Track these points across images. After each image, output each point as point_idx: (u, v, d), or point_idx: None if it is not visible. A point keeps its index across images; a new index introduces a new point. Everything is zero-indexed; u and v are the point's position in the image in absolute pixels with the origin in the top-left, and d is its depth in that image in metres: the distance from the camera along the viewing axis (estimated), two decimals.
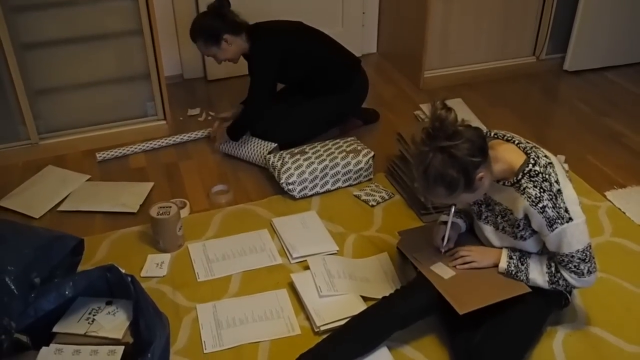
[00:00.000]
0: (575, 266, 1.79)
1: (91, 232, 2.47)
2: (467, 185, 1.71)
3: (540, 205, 1.73)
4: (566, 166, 2.87)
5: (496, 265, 1.93)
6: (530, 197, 1.74)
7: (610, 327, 2.03)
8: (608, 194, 2.71)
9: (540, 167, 1.76)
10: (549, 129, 3.31)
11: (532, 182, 1.75)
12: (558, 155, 2.93)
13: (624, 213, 2.58)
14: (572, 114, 3.42)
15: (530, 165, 1.76)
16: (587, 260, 1.79)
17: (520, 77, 3.81)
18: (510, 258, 1.90)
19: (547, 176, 1.74)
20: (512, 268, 1.89)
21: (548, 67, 3.89)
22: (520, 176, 1.77)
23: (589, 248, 1.79)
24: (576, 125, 3.30)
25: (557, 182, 1.74)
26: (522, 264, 1.88)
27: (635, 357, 1.93)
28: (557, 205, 1.73)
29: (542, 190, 1.73)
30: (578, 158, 2.96)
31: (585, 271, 1.80)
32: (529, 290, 1.87)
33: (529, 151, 1.80)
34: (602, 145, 3.11)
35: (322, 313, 2.02)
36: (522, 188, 1.76)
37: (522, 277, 1.88)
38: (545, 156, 1.79)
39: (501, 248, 1.95)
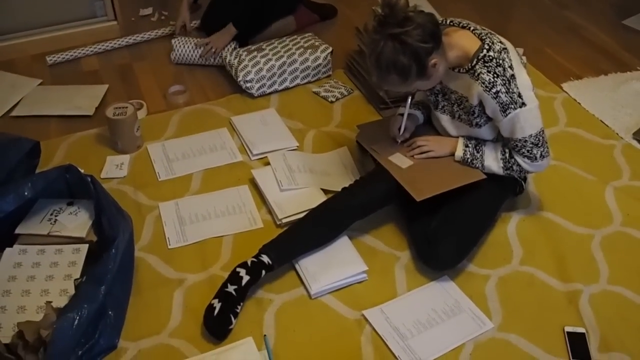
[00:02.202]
0: (528, 151, 1.84)
1: (47, 137, 2.43)
2: (420, 72, 1.72)
3: (494, 90, 1.75)
4: (524, 59, 2.88)
5: (453, 154, 1.97)
6: (484, 83, 1.76)
7: (562, 211, 2.12)
8: (564, 85, 2.75)
9: (495, 52, 1.76)
10: (509, 23, 3.30)
11: (485, 68, 1.76)
12: (517, 48, 2.93)
13: (579, 104, 2.64)
14: (532, 7, 3.41)
15: (485, 51, 1.77)
16: (539, 145, 1.83)
17: None
18: (466, 146, 1.94)
19: (500, 61, 1.75)
20: (468, 156, 1.93)
21: None
22: (474, 62, 1.78)
23: (541, 133, 1.83)
24: (536, 18, 3.30)
25: (510, 67, 1.76)
26: (478, 152, 1.92)
27: (583, 237, 2.04)
28: (511, 90, 1.75)
29: (495, 75, 1.75)
30: (536, 51, 2.98)
31: (538, 155, 1.85)
32: (484, 177, 1.92)
33: (484, 37, 1.79)
34: (560, 37, 3.12)
35: (283, 206, 2.06)
36: (476, 74, 1.78)
37: (477, 165, 1.93)
38: (500, 42, 1.80)
39: (458, 137, 1.99)
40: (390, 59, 1.68)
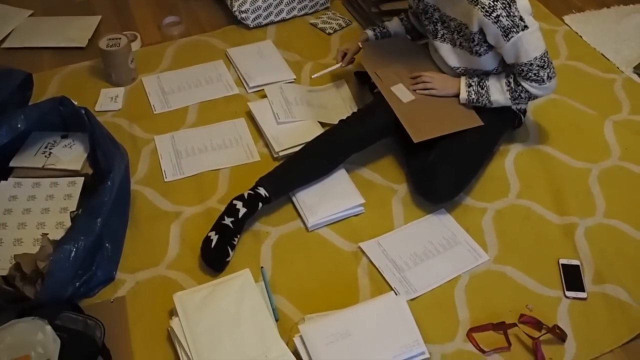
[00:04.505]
0: (535, 74, 1.80)
1: (40, 69, 2.38)
2: None
3: (494, 14, 1.71)
4: None
5: (455, 96, 1.94)
6: (483, 7, 1.71)
7: (560, 146, 2.11)
8: (566, 18, 2.69)
9: None
10: None
11: None
12: None
13: (581, 37, 2.59)
14: None
15: None
16: (545, 67, 1.80)
17: None
18: (469, 86, 1.91)
19: None
20: (473, 95, 1.90)
21: None
22: None
23: (546, 54, 1.79)
24: None
25: None
26: (482, 88, 1.89)
27: (581, 171, 2.03)
28: (512, 13, 1.71)
29: None
30: None
31: (545, 77, 1.81)
32: (482, 123, 1.90)
33: None
34: None
35: (280, 139, 2.04)
36: None
37: (484, 101, 1.90)
38: None
39: (458, 74, 1.95)
40: None
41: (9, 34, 2.56)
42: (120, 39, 2.25)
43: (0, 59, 2.44)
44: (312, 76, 2.23)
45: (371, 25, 2.25)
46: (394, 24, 2.20)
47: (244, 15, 2.52)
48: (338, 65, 2.18)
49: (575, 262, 1.75)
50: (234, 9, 2.52)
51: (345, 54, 2.18)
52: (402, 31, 2.20)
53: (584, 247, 1.80)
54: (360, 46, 2.16)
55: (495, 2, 1.70)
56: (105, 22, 2.64)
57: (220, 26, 2.61)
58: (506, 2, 1.71)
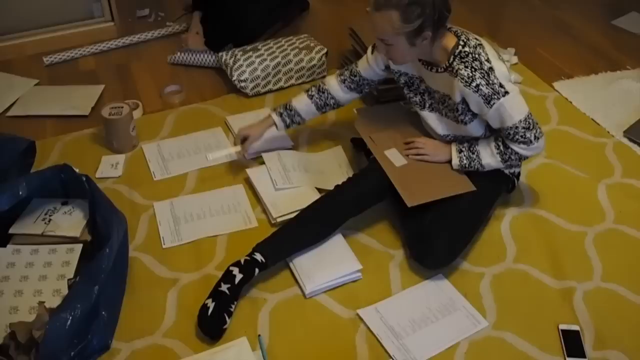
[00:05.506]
0: (522, 136, 1.83)
1: (42, 136, 2.43)
2: (417, 31, 1.72)
3: (474, 84, 1.76)
4: (515, 59, 2.90)
5: (448, 162, 1.98)
6: (463, 78, 1.77)
7: (555, 209, 2.13)
8: (556, 84, 2.76)
9: (470, 47, 1.78)
10: (501, 23, 3.31)
11: (463, 63, 1.77)
12: (508, 48, 2.95)
13: (571, 102, 2.65)
14: (523, 7, 3.42)
15: (460, 47, 1.78)
16: (531, 128, 1.83)
17: None
18: (460, 152, 1.95)
19: (477, 56, 1.76)
20: (465, 161, 1.94)
21: None
22: (451, 59, 1.79)
23: (530, 116, 1.83)
24: (527, 18, 3.31)
25: (487, 60, 1.77)
26: (473, 153, 1.93)
27: (576, 234, 2.04)
28: (491, 81, 1.76)
29: (473, 69, 1.75)
30: (528, 50, 2.98)
31: (532, 138, 1.84)
32: (474, 188, 1.93)
33: (459, 34, 1.81)
34: (551, 37, 3.13)
35: (278, 205, 2.06)
36: (454, 71, 1.79)
37: (476, 166, 1.94)
38: (475, 38, 1.81)
39: (448, 141, 1.99)
40: None
41: (15, 102, 2.62)
42: (122, 107, 2.30)
43: (5, 127, 2.49)
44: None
45: (279, 107, 2.16)
46: (301, 104, 2.13)
47: (242, 84, 2.59)
48: (237, 149, 2.13)
49: (575, 327, 1.74)
50: (234, 78, 2.59)
51: (245, 139, 2.14)
52: (312, 109, 2.14)
53: (583, 312, 1.79)
54: (259, 135, 2.16)
55: (474, 72, 1.76)
56: (109, 91, 2.71)
57: (221, 94, 2.67)
58: (484, 71, 1.76)
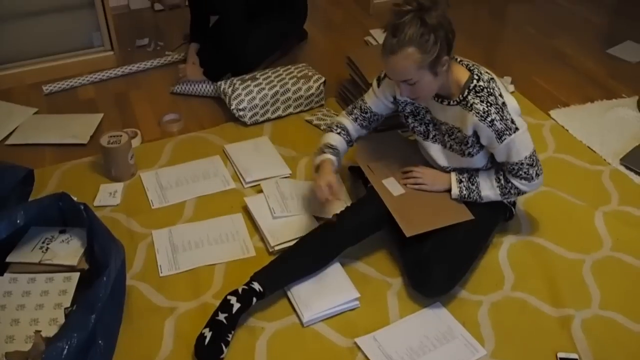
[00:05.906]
0: (525, 172, 1.85)
1: (41, 165, 2.44)
2: (437, 58, 1.70)
3: (489, 119, 1.77)
4: (512, 87, 2.93)
5: (446, 191, 1.99)
6: (478, 113, 1.78)
7: (552, 237, 2.13)
8: (552, 112, 2.78)
9: (484, 82, 1.79)
10: (497, 51, 3.35)
11: (478, 98, 1.78)
12: (505, 77, 2.98)
13: (567, 130, 2.67)
14: (519, 36, 3.47)
15: (475, 81, 1.80)
16: (534, 165, 1.85)
17: (468, 0, 3.83)
18: (460, 182, 1.96)
19: (491, 90, 1.78)
20: (465, 191, 1.95)
21: None
22: (466, 93, 1.80)
23: (534, 153, 1.85)
24: (523, 46, 3.35)
25: (500, 95, 1.79)
26: (473, 184, 1.94)
27: (574, 262, 2.04)
28: (504, 117, 1.78)
29: (489, 104, 1.77)
30: (524, 79, 3.02)
31: (534, 175, 1.86)
32: (473, 217, 1.94)
33: (472, 68, 1.83)
34: (547, 66, 3.17)
35: (276, 233, 2.06)
36: (469, 104, 1.80)
37: (474, 197, 1.95)
38: (487, 72, 1.83)
39: (448, 171, 2.00)
40: (416, 32, 1.66)
41: (14, 130, 2.64)
42: (121, 136, 2.32)
43: (4, 155, 2.50)
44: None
45: (325, 148, 2.04)
46: (339, 144, 2.06)
47: (241, 113, 2.61)
48: (334, 215, 1.98)
49: (573, 355, 1.74)
50: (232, 107, 2.61)
51: (331, 186, 1.94)
52: (344, 147, 2.08)
53: (581, 340, 1.79)
54: (334, 171, 2.00)
55: (489, 107, 1.77)
56: (107, 119, 2.73)
57: (219, 123, 2.69)
58: (499, 107, 1.78)
